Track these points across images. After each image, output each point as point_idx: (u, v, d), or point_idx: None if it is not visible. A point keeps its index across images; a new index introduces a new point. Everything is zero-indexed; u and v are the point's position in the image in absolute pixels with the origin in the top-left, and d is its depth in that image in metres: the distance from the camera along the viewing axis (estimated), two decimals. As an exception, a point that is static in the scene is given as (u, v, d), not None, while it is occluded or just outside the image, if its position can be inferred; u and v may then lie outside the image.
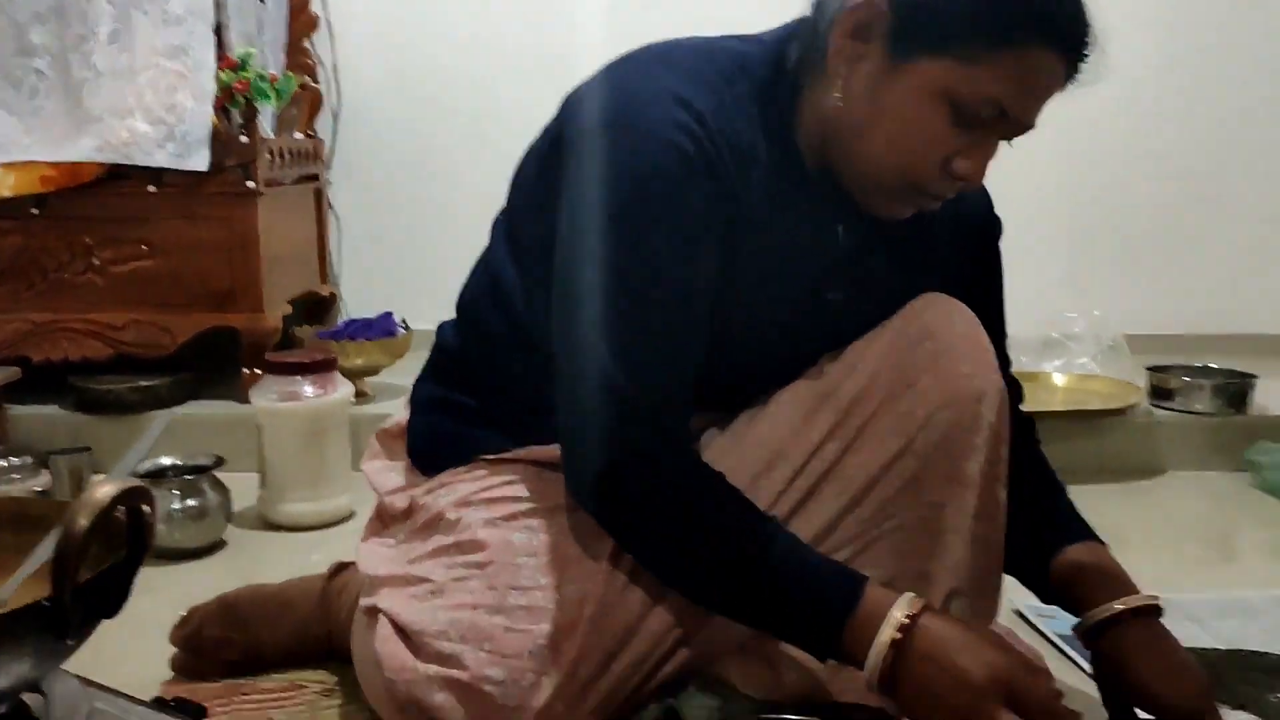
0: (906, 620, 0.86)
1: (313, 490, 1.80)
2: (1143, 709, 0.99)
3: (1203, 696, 0.97)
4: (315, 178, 2.63)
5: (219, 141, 2.12)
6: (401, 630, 0.99)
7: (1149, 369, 2.35)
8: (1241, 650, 1.35)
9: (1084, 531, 1.10)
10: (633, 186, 0.93)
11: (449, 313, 1.18)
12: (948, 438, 1.00)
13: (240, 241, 2.16)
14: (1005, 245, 1.18)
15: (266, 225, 2.19)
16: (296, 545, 1.74)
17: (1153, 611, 1.03)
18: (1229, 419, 2.23)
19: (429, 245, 2.68)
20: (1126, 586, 1.04)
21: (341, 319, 2.57)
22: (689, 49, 1.00)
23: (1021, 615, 1.45)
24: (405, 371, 1.25)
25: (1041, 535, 1.09)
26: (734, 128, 0.97)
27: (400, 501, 1.14)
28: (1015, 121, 0.93)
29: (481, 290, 1.13)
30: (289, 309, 2.34)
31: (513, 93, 2.57)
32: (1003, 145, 0.97)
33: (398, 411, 1.21)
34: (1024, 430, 1.12)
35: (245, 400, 1.96)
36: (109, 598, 0.73)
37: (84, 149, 2.09)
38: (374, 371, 2.28)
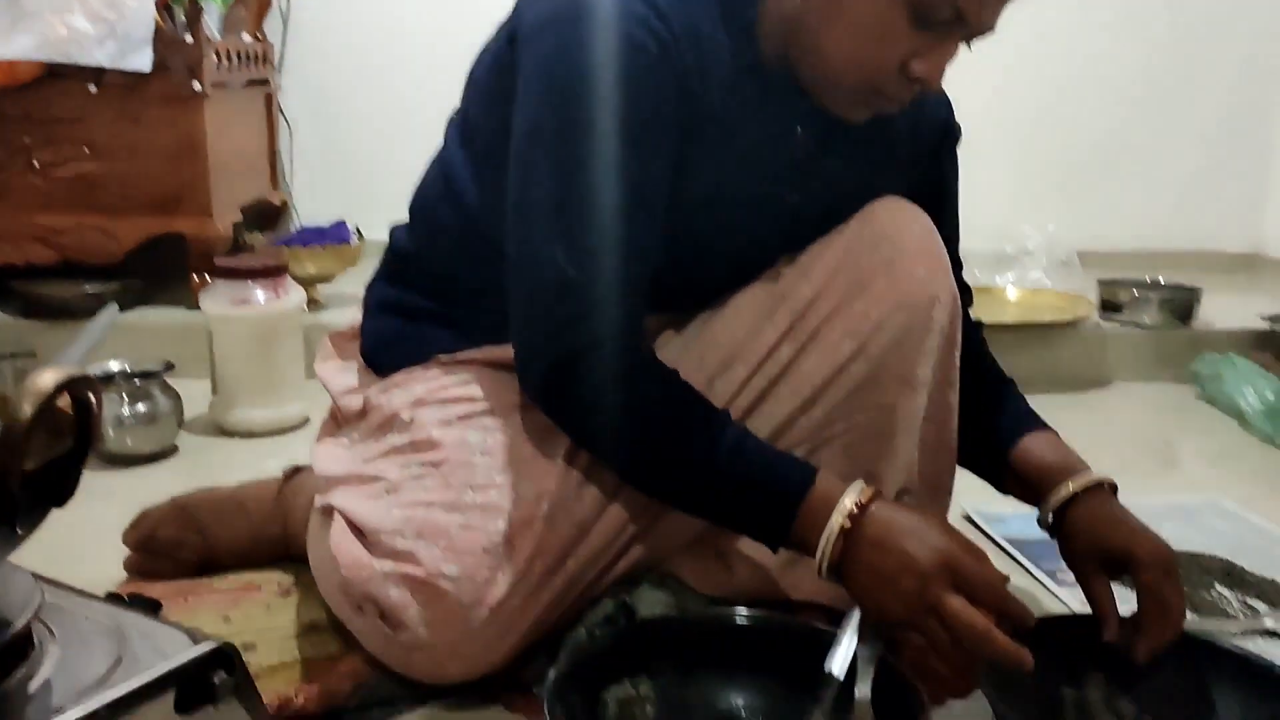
0: (856, 508, 0.88)
1: (266, 397, 1.79)
2: (1111, 571, 1.00)
3: (1167, 550, 1.00)
4: (265, 82, 2.55)
5: (162, 41, 2.05)
6: (356, 528, 0.99)
7: (1099, 282, 2.38)
8: (1178, 551, 1.39)
9: (1036, 421, 1.12)
10: (587, 81, 0.91)
11: (403, 221, 1.16)
12: (900, 341, 1.01)
13: (186, 145, 2.11)
14: (962, 161, 1.18)
15: (213, 129, 2.14)
16: (251, 451, 1.73)
17: (1106, 488, 1.05)
18: (1175, 331, 2.28)
19: (382, 153, 2.62)
20: (1080, 469, 1.06)
21: (293, 227, 2.53)
22: None
23: (970, 520, 1.48)
24: (358, 280, 1.24)
25: (995, 427, 1.11)
26: (693, 23, 0.95)
27: (354, 402, 1.13)
28: (973, 24, 0.92)
29: (435, 189, 1.11)
30: (238, 216, 2.30)
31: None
32: (963, 51, 0.96)
33: (352, 319, 1.20)
34: (972, 332, 1.14)
35: (195, 308, 1.93)
36: (57, 487, 0.72)
37: (21, 46, 2.02)
38: (327, 279, 2.25)
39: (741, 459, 0.92)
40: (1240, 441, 1.92)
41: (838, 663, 0.88)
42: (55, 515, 0.73)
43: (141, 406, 1.64)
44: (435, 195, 1.11)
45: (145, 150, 2.10)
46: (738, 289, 1.05)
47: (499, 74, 1.01)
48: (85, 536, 1.38)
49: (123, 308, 2.17)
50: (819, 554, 0.89)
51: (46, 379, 0.64)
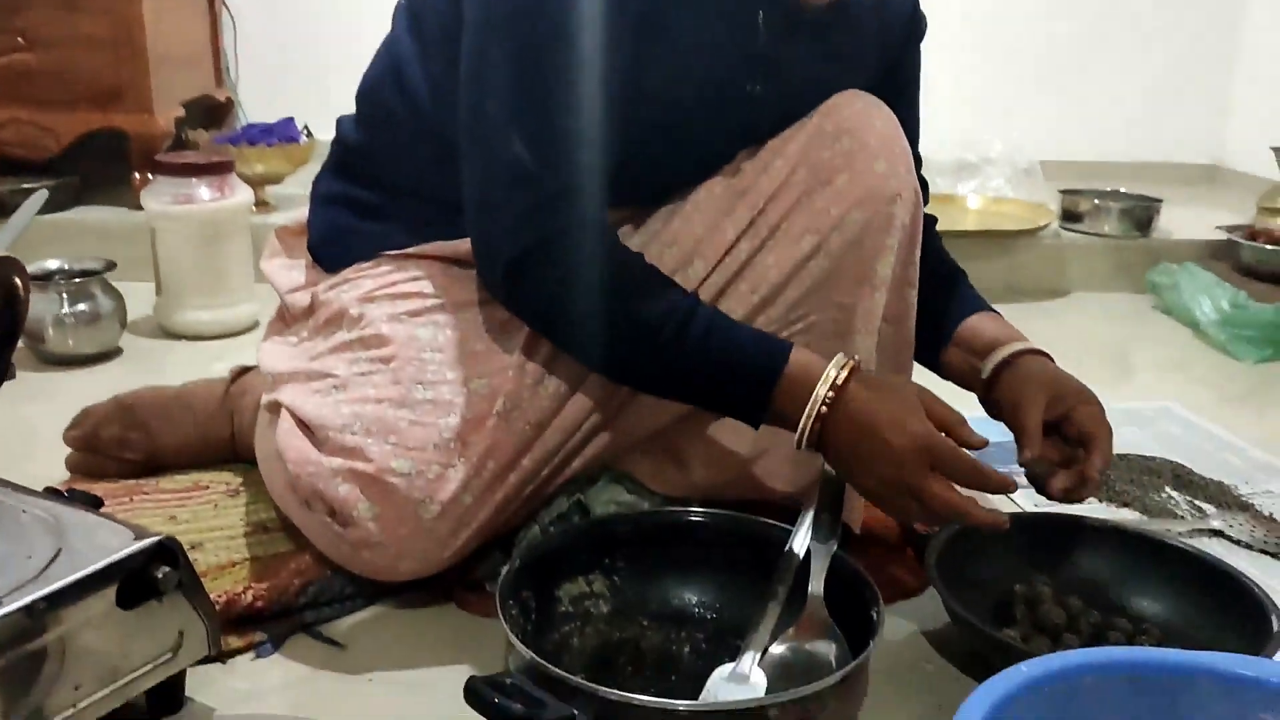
0: (836, 386, 0.87)
1: (212, 298, 1.74)
2: (1042, 411, 0.99)
3: (1095, 396, 1.00)
4: (205, -30, 2.45)
5: (96, -77, 1.95)
6: (304, 425, 0.97)
7: (1061, 192, 2.37)
8: (1130, 455, 1.41)
9: (984, 305, 1.11)
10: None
11: (352, 112, 1.11)
12: (860, 238, 0.99)
13: (125, 36, 2.02)
14: (925, 69, 1.15)
15: (153, 19, 2.05)
16: (197, 354, 1.69)
17: (1044, 355, 1.05)
18: (1134, 241, 2.28)
19: (333, 47, 2.51)
20: (1022, 339, 1.06)
21: (239, 125, 2.44)
22: None
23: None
24: (307, 181, 1.19)
25: (944, 311, 1.10)
26: (652, -97, 0.91)
27: (302, 299, 1.10)
28: None
29: (384, 78, 1.07)
30: (181, 112, 2.22)
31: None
32: None
33: (300, 215, 1.16)
34: (927, 227, 1.12)
35: (137, 207, 1.87)
36: (-16, 374, 0.69)
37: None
38: (275, 180, 2.18)
39: (716, 336, 0.90)
40: (1194, 350, 1.93)
41: (799, 542, 0.91)
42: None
43: (82, 306, 1.59)
44: (385, 86, 1.06)
45: (82, 41, 2.02)
46: (697, 184, 1.02)
47: (447, -43, 0.96)
48: (26, 437, 1.35)
49: (61, 207, 2.10)
50: (799, 429, 0.88)
51: (-35, 259, 0.61)
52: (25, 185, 2.06)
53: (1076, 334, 2.01)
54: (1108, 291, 2.25)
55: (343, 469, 0.92)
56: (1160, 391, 1.69)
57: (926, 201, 1.11)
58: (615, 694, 0.74)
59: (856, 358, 0.90)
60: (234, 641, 0.93)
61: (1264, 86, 2.80)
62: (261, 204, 2.12)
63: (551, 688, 0.74)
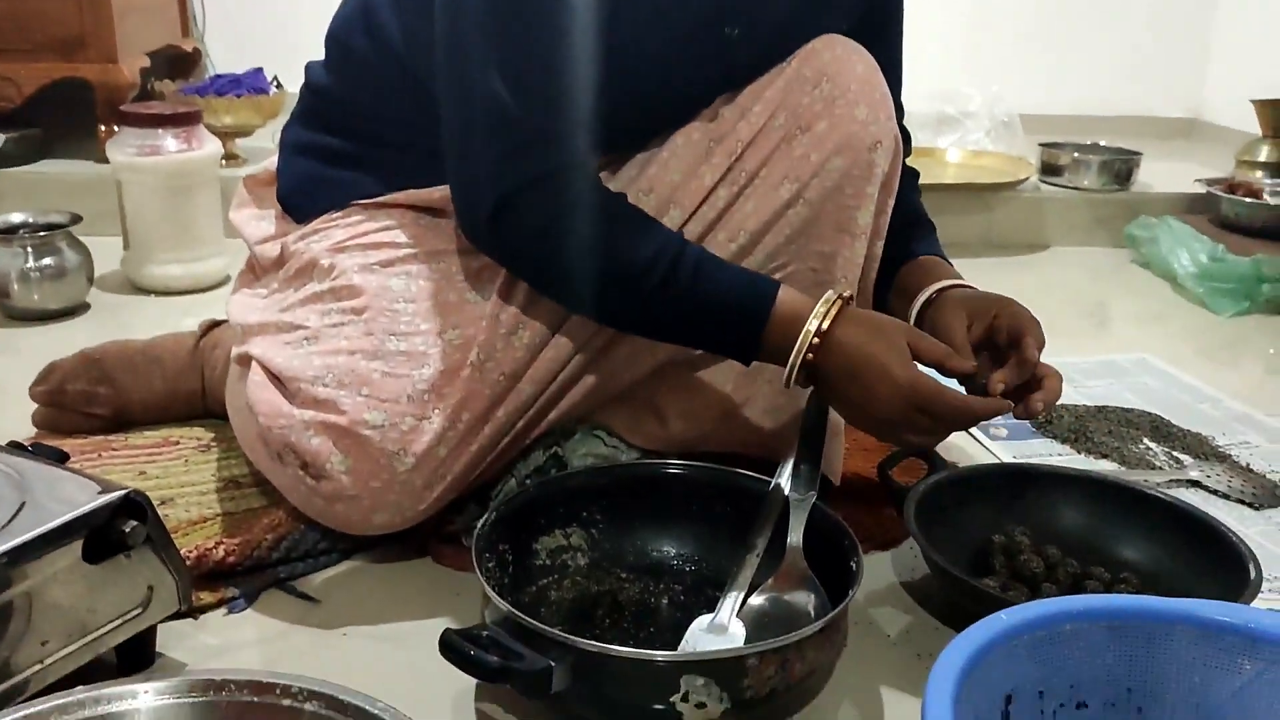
0: (832, 312, 0.87)
1: (181, 252, 1.70)
2: (964, 326, 0.97)
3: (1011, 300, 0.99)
4: (171, -85, 2.38)
5: None
6: (275, 377, 0.95)
7: (1040, 145, 2.36)
8: (1108, 406, 1.41)
9: (939, 252, 1.10)
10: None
11: (321, 58, 1.08)
12: (840, 186, 0.98)
13: (87, -18, 1.96)
14: (907, 22, 1.13)
15: (117, -36, 1.99)
16: (167, 309, 1.66)
17: (964, 287, 1.03)
18: (1113, 195, 2.27)
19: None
20: (948, 278, 1.04)
21: (207, 76, 2.39)
22: None
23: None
24: (278, 133, 1.16)
25: (900, 255, 1.08)
26: None
27: (271, 250, 1.08)
28: None
29: (353, 20, 1.04)
30: (146, 62, 2.16)
31: None
32: None
33: (269, 164, 1.13)
34: (908, 180, 1.10)
35: (103, 160, 1.82)
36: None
37: None
38: (245, 132, 2.13)
39: (705, 276, 0.89)
40: (1172, 303, 1.93)
41: (785, 479, 0.93)
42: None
43: (48, 260, 1.56)
44: (354, 28, 1.03)
45: (43, -14, 1.95)
46: (674, 130, 1.00)
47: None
48: (-11, 392, 1.32)
49: (24, 160, 2.05)
50: (787, 368, 0.88)
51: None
52: (-13, 137, 2.01)
53: (1055, 287, 2.00)
54: (1087, 245, 2.25)
55: (315, 421, 0.90)
56: (1138, 344, 1.69)
57: (909, 153, 1.09)
58: (593, 645, 0.73)
59: (847, 293, 0.90)
60: (206, 597, 0.92)
61: (1242, 40, 2.79)
62: (231, 157, 2.08)
63: (528, 640, 0.73)
